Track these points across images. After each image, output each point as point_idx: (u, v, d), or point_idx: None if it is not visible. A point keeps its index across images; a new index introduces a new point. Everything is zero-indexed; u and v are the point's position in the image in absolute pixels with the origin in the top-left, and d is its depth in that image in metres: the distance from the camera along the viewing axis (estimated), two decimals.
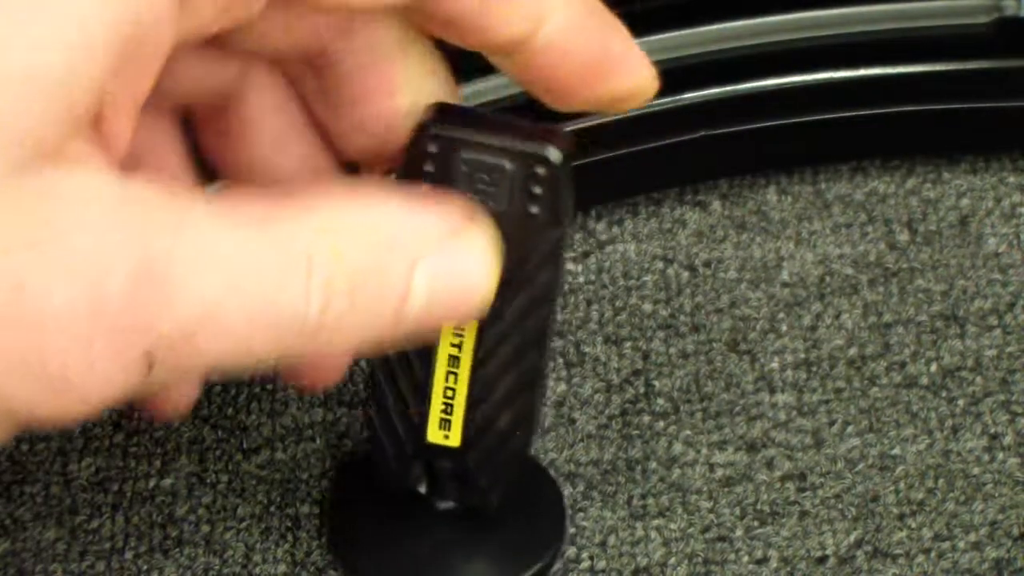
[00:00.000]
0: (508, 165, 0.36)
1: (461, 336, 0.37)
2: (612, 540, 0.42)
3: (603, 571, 0.42)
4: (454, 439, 0.38)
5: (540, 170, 0.35)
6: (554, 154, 0.35)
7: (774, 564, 0.41)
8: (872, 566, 0.41)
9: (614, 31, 0.37)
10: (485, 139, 0.36)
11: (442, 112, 0.36)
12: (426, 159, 0.35)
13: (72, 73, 0.31)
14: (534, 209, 0.36)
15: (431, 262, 0.34)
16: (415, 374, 0.38)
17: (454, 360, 0.38)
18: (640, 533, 0.42)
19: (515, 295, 0.37)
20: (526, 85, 0.38)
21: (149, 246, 0.31)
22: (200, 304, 0.32)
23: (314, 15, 0.36)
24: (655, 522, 0.42)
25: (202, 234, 0.32)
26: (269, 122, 0.39)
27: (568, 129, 0.37)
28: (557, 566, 0.42)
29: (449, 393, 0.38)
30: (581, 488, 0.43)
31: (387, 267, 0.34)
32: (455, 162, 0.36)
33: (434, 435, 0.38)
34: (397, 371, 0.38)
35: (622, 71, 0.38)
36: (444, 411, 0.38)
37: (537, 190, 0.36)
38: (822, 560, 0.41)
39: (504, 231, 0.35)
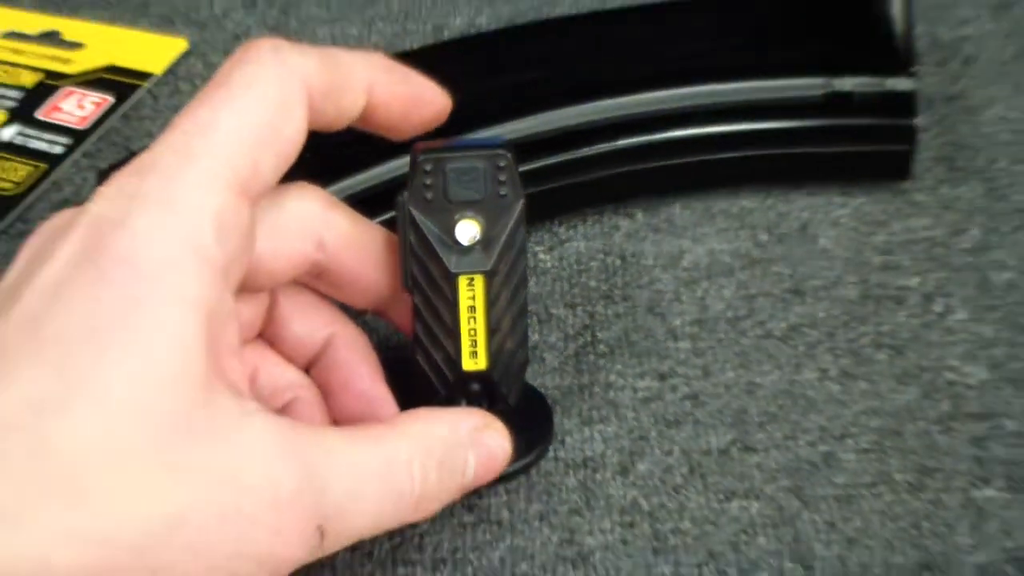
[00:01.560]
0: (480, 164, 0.38)
1: (473, 290, 0.39)
2: (568, 439, 0.44)
3: (563, 459, 0.43)
4: (481, 363, 0.40)
5: (502, 163, 0.38)
6: (508, 151, 0.38)
7: (677, 455, 0.43)
8: (742, 456, 0.43)
9: (411, 77, 0.39)
10: (460, 153, 0.38)
11: (426, 147, 0.38)
12: (425, 175, 0.37)
13: (190, 365, 0.33)
14: (503, 191, 0.38)
15: (475, 450, 0.38)
16: (446, 325, 0.39)
17: (472, 308, 0.39)
18: (587, 434, 0.44)
19: (503, 254, 0.39)
20: (373, 130, 0.40)
21: (306, 463, 0.34)
22: (345, 494, 0.35)
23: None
24: (597, 427, 0.44)
25: (337, 451, 0.35)
26: (293, 306, 0.41)
27: (506, 139, 0.39)
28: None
29: (472, 332, 0.39)
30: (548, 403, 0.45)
31: (455, 457, 0.38)
32: (444, 171, 0.38)
33: (467, 364, 0.40)
34: (433, 326, 0.39)
35: (428, 101, 0.40)
36: (472, 346, 0.40)
37: (502, 177, 0.38)
38: (708, 452, 0.43)
39: (488, 210, 0.38)
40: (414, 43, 0.58)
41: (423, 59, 0.44)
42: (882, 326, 0.46)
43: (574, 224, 0.50)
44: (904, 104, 0.47)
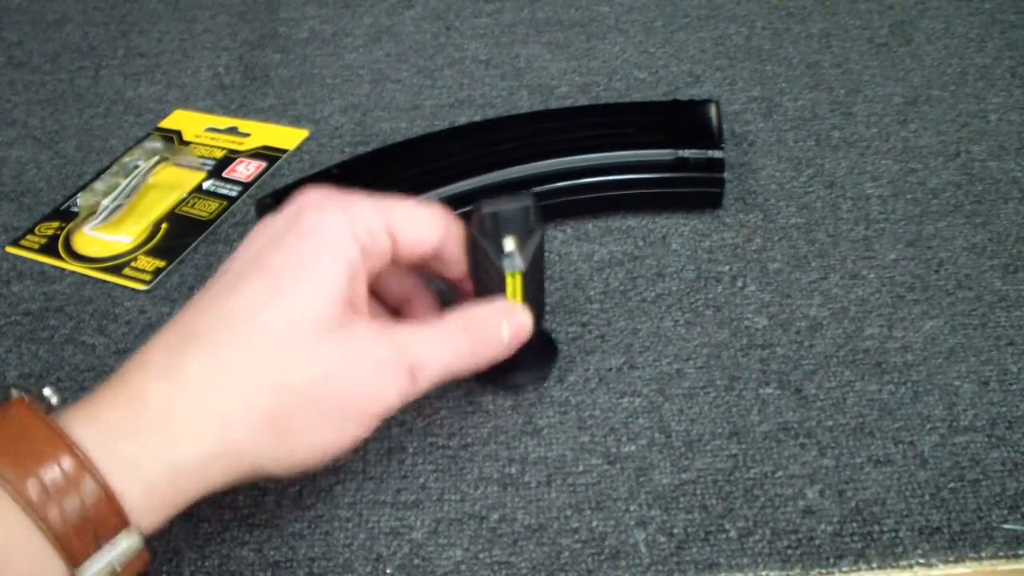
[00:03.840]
0: (518, 210, 0.37)
1: (514, 280, 0.38)
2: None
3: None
4: None
5: (531, 208, 0.37)
6: (532, 200, 0.37)
7: (591, 371, 0.43)
8: (629, 372, 0.43)
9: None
10: (504, 205, 0.37)
11: (480, 205, 0.37)
12: (482, 223, 0.37)
13: (338, 293, 0.34)
14: (530, 227, 0.38)
15: (507, 320, 0.38)
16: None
17: (513, 292, 0.38)
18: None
19: (529, 257, 0.38)
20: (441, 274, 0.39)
21: (396, 340, 0.35)
22: (422, 353, 0.35)
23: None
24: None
25: (414, 330, 0.36)
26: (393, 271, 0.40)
27: (534, 193, 0.39)
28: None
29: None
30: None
31: (493, 325, 0.38)
32: (496, 219, 0.37)
33: None
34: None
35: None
36: None
37: (531, 218, 0.38)
38: (610, 369, 0.42)
39: (523, 235, 0.37)
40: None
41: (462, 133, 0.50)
42: (708, 294, 0.46)
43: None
44: (718, 165, 0.49)
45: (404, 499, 0.38)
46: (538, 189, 0.49)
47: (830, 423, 0.40)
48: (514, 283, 0.38)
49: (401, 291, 0.41)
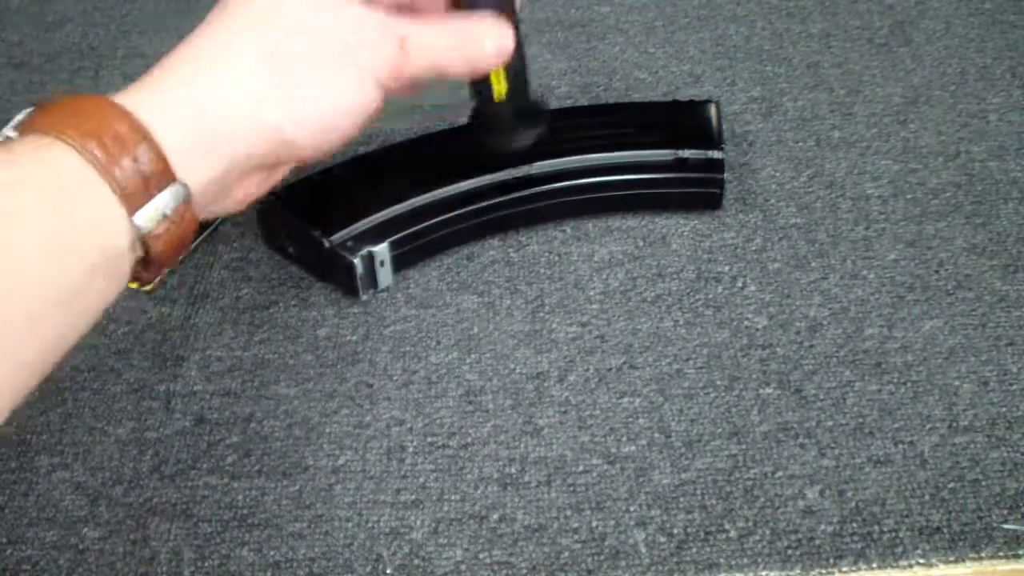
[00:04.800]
0: None
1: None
2: (527, 362, 0.43)
3: (523, 374, 0.43)
4: (502, 91, 0.41)
5: None
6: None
7: (591, 370, 0.43)
8: (629, 371, 0.43)
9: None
10: None
11: None
12: None
13: None
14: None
15: (490, 32, 0.38)
16: (485, 87, 0.40)
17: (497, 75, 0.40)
18: (538, 358, 0.44)
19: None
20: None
21: (386, 20, 0.36)
22: (415, 31, 0.36)
23: None
24: (544, 354, 0.43)
25: (407, 20, 0.36)
26: None
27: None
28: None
29: (497, 76, 0.40)
30: None
31: (484, 33, 0.38)
32: None
33: (498, 87, 0.40)
34: (481, 84, 0.40)
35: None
36: (496, 80, 0.40)
37: None
38: (610, 369, 0.43)
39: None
40: None
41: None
42: (708, 295, 0.46)
43: (531, 233, 0.50)
44: (717, 166, 0.49)
45: (404, 499, 0.38)
46: (537, 189, 0.49)
47: (830, 423, 0.40)
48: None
49: None
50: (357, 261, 0.44)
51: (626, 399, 0.42)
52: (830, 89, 0.58)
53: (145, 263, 0.33)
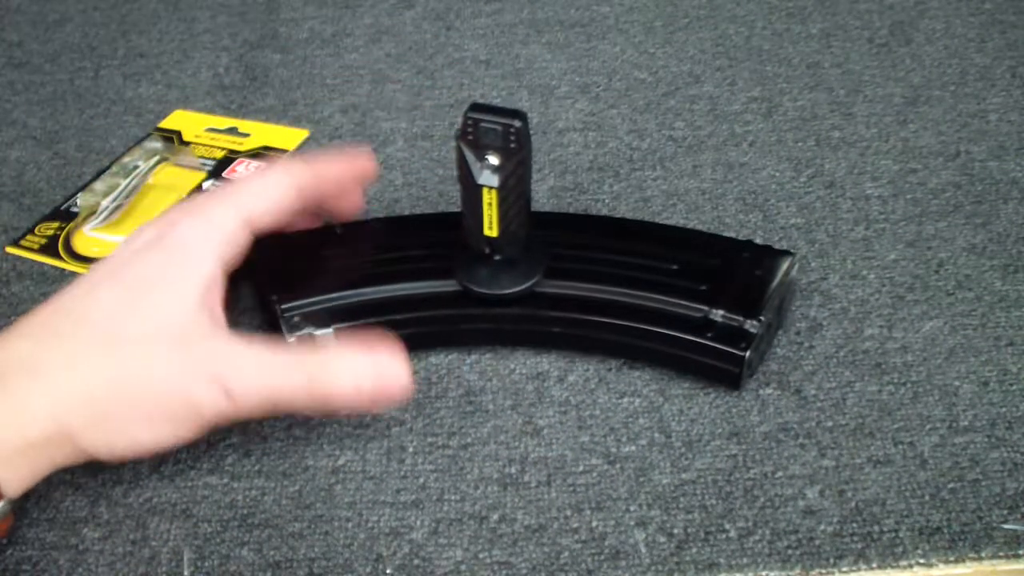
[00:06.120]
0: (500, 127, 0.38)
1: (490, 195, 0.39)
2: (527, 362, 0.43)
3: (524, 374, 0.42)
4: (494, 232, 0.41)
5: (513, 127, 0.38)
6: (521, 119, 0.38)
7: (591, 371, 0.42)
8: (629, 371, 0.42)
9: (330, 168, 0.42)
10: (490, 118, 0.38)
11: (471, 109, 0.38)
12: (467, 128, 0.38)
13: (195, 300, 0.37)
14: (512, 145, 0.38)
15: (365, 374, 0.37)
16: (478, 217, 0.40)
17: (489, 204, 0.40)
18: (538, 359, 0.43)
19: (507, 179, 0.39)
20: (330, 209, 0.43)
21: (212, 352, 0.36)
22: (237, 368, 0.36)
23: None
24: (544, 355, 0.43)
25: (239, 351, 0.37)
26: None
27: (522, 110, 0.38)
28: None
29: (489, 221, 0.40)
30: None
31: (349, 374, 0.37)
32: (480, 128, 0.38)
33: (489, 232, 0.41)
34: (469, 217, 0.40)
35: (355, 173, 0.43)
36: (488, 224, 0.40)
37: (512, 136, 0.38)
38: (609, 369, 0.43)
39: (504, 153, 0.38)
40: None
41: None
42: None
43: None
44: (746, 339, 0.40)
45: (404, 499, 0.38)
46: (520, 311, 0.43)
47: (830, 423, 0.40)
48: (490, 198, 0.39)
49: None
50: (293, 340, 0.41)
51: (626, 399, 0.42)
52: (830, 89, 0.58)
53: None
